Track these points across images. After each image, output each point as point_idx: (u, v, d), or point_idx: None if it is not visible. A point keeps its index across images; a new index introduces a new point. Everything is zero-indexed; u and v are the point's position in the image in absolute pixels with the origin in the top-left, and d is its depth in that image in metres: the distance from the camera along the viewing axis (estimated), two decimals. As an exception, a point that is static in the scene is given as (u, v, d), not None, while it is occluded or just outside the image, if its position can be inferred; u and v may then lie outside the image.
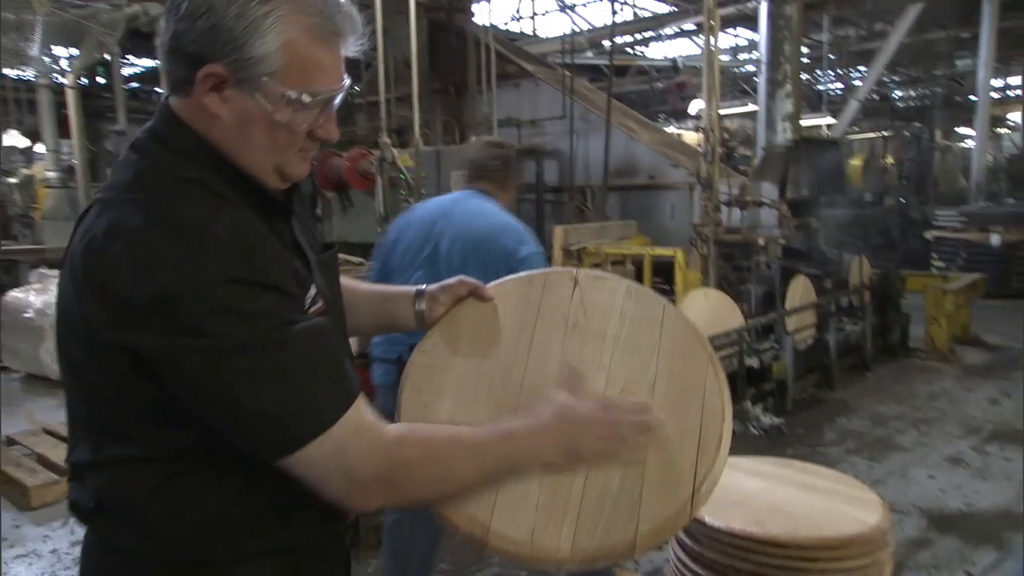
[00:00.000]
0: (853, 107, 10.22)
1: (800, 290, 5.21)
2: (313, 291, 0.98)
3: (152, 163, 0.93)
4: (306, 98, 0.92)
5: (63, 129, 9.21)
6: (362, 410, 0.90)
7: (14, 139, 13.28)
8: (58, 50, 9.85)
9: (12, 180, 12.88)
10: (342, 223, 8.40)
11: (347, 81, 0.98)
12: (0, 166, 14.00)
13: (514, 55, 9.79)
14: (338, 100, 0.99)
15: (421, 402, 1.07)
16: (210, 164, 0.94)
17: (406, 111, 7.03)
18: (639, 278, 6.72)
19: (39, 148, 13.00)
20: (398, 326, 1.27)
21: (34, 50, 7.78)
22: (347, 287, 1.26)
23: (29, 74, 10.82)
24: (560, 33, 12.24)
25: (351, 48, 0.97)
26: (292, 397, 0.85)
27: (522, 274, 1.26)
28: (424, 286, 1.26)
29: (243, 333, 0.83)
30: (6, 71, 11.74)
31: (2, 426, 4.35)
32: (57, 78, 9.43)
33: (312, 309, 0.96)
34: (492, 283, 1.23)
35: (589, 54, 12.56)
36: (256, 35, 0.89)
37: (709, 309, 4.70)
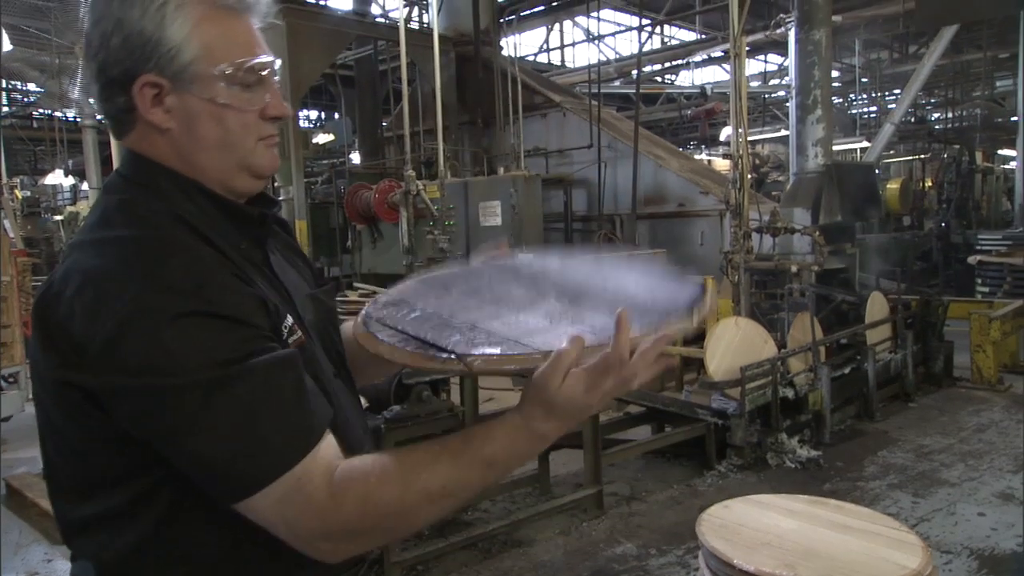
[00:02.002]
0: (888, 130, 10.04)
1: (876, 306, 5.14)
2: (290, 321, 0.93)
3: (117, 200, 0.92)
4: (236, 71, 0.90)
5: (107, 168, 9.52)
6: (318, 456, 0.83)
7: (60, 178, 13.81)
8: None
9: (58, 217, 13.37)
10: (372, 255, 8.49)
11: (275, 57, 0.96)
12: (47, 204, 14.55)
13: (541, 86, 9.87)
14: (276, 73, 0.96)
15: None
16: (176, 190, 0.92)
17: (435, 143, 7.13)
18: (669, 307, 6.61)
19: (84, 186, 13.50)
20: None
21: (76, 93, 8.09)
22: (347, 328, 1.21)
23: (74, 115, 11.25)
24: (588, 63, 12.33)
25: (262, 18, 0.96)
26: (238, 443, 0.80)
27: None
28: None
29: (190, 371, 0.79)
30: (52, 112, 12.22)
31: (40, 459, 4.41)
32: (101, 118, 9.76)
33: (292, 339, 0.92)
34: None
35: (617, 83, 12.61)
36: (166, 24, 0.88)
37: (740, 338, 4.59)
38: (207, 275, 0.85)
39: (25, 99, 14.61)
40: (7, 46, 5.87)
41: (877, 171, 7.65)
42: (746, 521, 1.87)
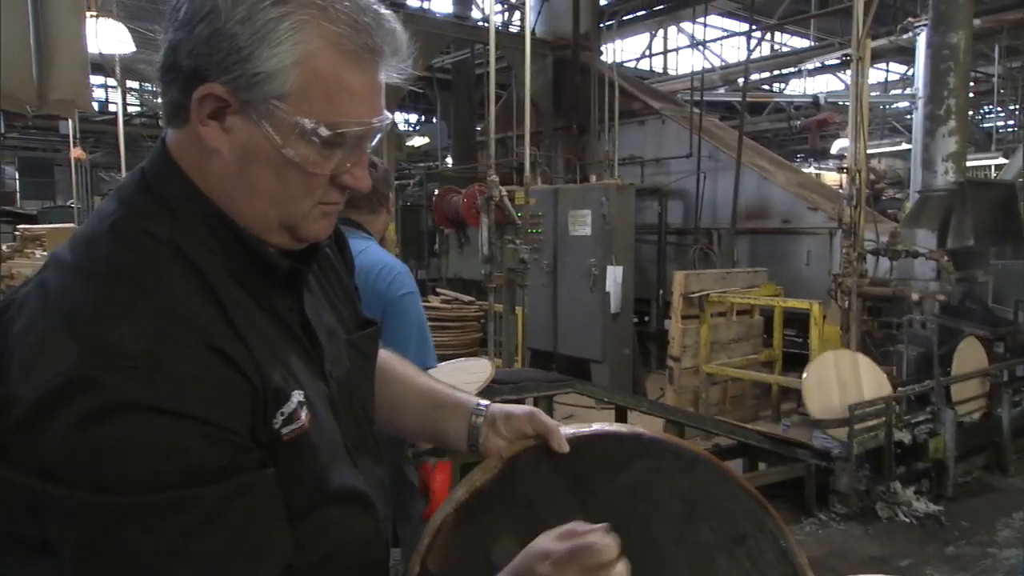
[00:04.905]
0: (1029, 146, 9.03)
1: (968, 354, 4.47)
2: (296, 401, 0.74)
3: (123, 214, 0.74)
4: (324, 131, 0.71)
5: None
6: None
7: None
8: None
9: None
10: (458, 260, 8.43)
11: (387, 116, 0.75)
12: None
13: (640, 91, 9.52)
14: (375, 139, 0.76)
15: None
16: (197, 217, 0.74)
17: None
18: (768, 330, 6.13)
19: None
20: (445, 440, 1.02)
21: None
22: (399, 376, 1.04)
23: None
24: (692, 70, 11.85)
25: (392, 72, 0.75)
26: None
27: (608, 428, 0.97)
28: (486, 402, 1.00)
29: (110, 486, 0.61)
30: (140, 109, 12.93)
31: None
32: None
33: (286, 430, 0.72)
34: (570, 430, 0.95)
35: (721, 91, 12.05)
36: (266, 44, 0.69)
37: (841, 375, 4.11)
38: (173, 347, 0.65)
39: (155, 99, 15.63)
40: (131, 47, 6.15)
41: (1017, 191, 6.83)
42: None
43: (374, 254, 2.04)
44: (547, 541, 0.74)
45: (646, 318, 8.21)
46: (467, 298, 6.02)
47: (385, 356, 1.07)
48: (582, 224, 6.62)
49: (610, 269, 6.19)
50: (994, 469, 4.54)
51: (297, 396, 0.75)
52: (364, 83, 0.73)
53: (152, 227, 0.73)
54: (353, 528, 0.84)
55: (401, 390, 1.06)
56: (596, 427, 0.96)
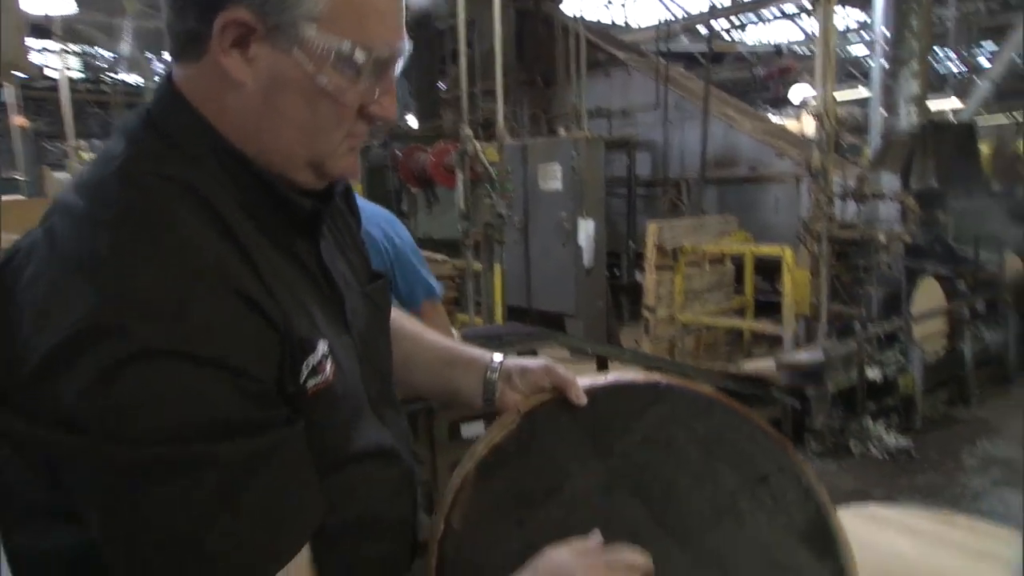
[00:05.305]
0: (985, 88, 9.20)
1: (927, 294, 4.60)
2: (321, 352, 0.70)
3: (131, 154, 0.68)
4: (360, 55, 0.67)
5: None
6: (295, 574, 0.64)
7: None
8: (167, 56, 10.20)
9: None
10: (427, 220, 8.31)
11: (409, 42, 0.72)
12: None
13: (605, 43, 9.39)
14: (399, 66, 0.72)
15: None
16: (212, 157, 0.69)
17: (492, 104, 6.82)
18: (739, 278, 6.22)
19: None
20: (459, 397, 0.99)
21: (125, 50, 8.07)
22: (409, 334, 1.01)
23: (136, 79, 11.39)
24: (653, 21, 11.72)
25: None
26: (191, 551, 0.59)
27: (625, 378, 0.96)
28: (501, 356, 0.97)
29: (132, 440, 0.57)
30: (113, 76, 12.41)
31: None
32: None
33: (312, 383, 0.69)
34: (586, 381, 0.93)
35: (684, 41, 11.96)
36: None
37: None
38: (197, 292, 0.61)
39: (99, 63, 14.90)
40: (72, 7, 5.82)
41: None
42: (859, 539, 1.58)
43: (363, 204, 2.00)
44: (574, 558, 0.74)
45: (616, 271, 8.26)
46: (440, 256, 5.96)
47: (393, 313, 1.04)
48: (552, 178, 6.56)
49: (582, 223, 6.17)
50: (958, 402, 4.72)
51: (323, 347, 0.72)
52: (393, 6, 0.69)
53: (163, 167, 0.67)
54: (381, 484, 0.82)
55: (412, 347, 1.03)
56: (612, 377, 0.95)
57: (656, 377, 0.97)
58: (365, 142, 0.77)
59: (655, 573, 0.77)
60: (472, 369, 0.98)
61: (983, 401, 4.75)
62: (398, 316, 1.05)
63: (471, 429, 2.44)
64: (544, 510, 0.83)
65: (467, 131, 4.08)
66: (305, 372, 0.69)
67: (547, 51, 8.79)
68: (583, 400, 0.90)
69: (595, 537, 0.77)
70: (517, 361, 0.97)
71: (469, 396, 0.98)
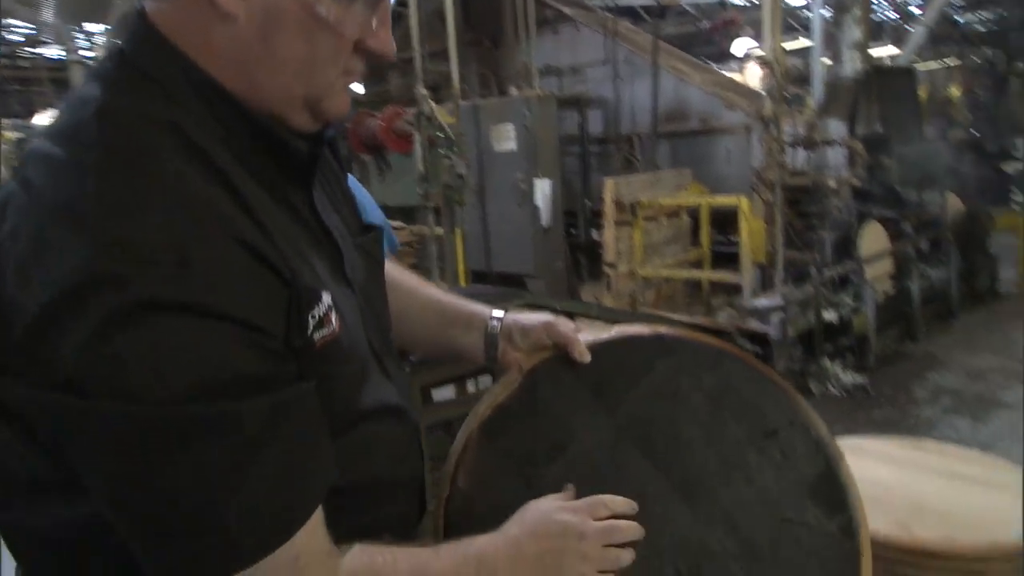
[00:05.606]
0: (920, 34, 9.42)
1: (872, 236, 4.76)
2: (326, 303, 0.67)
3: (109, 96, 0.63)
4: None
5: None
6: (311, 535, 0.62)
7: (48, 118, 13.42)
8: (89, 27, 9.66)
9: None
10: (380, 187, 8.14)
11: None
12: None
13: (551, -1, 9.24)
14: None
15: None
16: (197, 99, 0.64)
17: (439, 66, 6.66)
18: (696, 230, 6.31)
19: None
20: (459, 354, 0.98)
21: (47, 16, 7.57)
22: (404, 287, 0.98)
23: (60, 52, 10.74)
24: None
25: None
26: (208, 515, 0.57)
27: (628, 332, 0.95)
28: (500, 314, 0.95)
29: (142, 400, 0.53)
30: (39, 50, 11.70)
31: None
32: (88, 55, 9.31)
33: (318, 336, 0.66)
34: (589, 336, 0.91)
35: (628, -5, 11.85)
36: None
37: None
38: (199, 238, 0.57)
39: (17, 38, 14.00)
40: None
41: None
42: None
43: None
44: (570, 516, 0.75)
45: (573, 230, 8.29)
46: (397, 223, 5.87)
47: (388, 266, 1.01)
48: (506, 139, 6.50)
49: (537, 182, 6.15)
50: (906, 338, 4.94)
51: (327, 298, 0.68)
52: None
53: (146, 107, 0.62)
54: (391, 442, 0.81)
55: (408, 301, 1.01)
56: (615, 331, 0.94)
57: (662, 329, 0.96)
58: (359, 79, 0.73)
59: (661, 530, 0.78)
60: (473, 326, 0.97)
61: (930, 336, 4.98)
62: (392, 268, 1.03)
63: (442, 393, 2.45)
64: (550, 468, 0.82)
65: (423, 91, 3.98)
66: (312, 324, 0.66)
67: (494, 9, 8.61)
68: (586, 358, 0.89)
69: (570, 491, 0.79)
70: (517, 318, 0.95)
71: (471, 354, 0.97)
